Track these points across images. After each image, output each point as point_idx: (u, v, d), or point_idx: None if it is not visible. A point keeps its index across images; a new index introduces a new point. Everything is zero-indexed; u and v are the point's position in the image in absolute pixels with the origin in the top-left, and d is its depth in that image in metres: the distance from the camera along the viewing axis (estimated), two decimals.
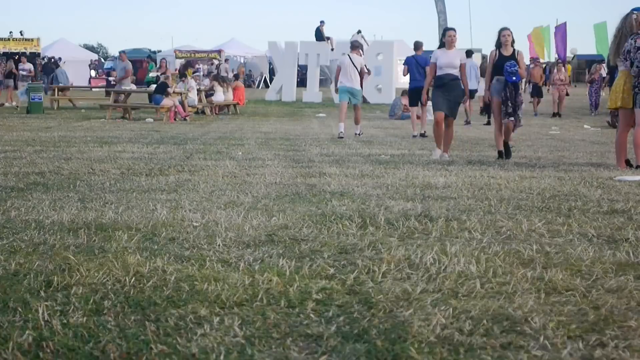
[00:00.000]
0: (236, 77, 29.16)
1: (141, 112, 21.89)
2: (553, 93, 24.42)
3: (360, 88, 14.65)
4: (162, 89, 20.25)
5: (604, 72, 23.26)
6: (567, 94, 25.28)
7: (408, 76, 15.51)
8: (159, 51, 54.22)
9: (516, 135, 15.93)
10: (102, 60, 56.64)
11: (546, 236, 4.81)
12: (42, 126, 16.54)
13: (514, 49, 10.26)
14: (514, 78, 10.06)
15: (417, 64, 14.99)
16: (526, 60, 26.38)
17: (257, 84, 50.49)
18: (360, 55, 14.72)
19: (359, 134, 14.69)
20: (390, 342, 2.84)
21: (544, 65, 28.88)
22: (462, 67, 10.54)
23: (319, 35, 31.92)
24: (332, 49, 30.93)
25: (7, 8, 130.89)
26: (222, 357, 2.70)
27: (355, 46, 14.88)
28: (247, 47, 54.38)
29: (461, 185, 7.27)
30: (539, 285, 3.62)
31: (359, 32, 33.41)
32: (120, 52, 26.70)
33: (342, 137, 13.96)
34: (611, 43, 9.34)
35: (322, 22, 32.38)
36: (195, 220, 5.27)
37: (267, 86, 37.66)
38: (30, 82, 25.13)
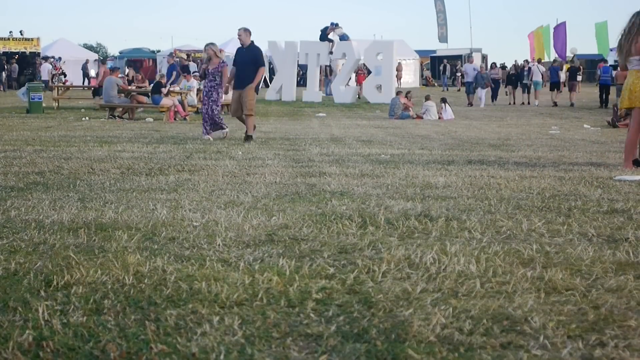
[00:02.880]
0: None
1: (141, 111, 21.89)
2: None
3: None
4: (157, 89, 20.26)
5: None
6: None
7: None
8: (159, 51, 54.21)
9: (516, 135, 15.98)
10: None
11: (546, 236, 4.81)
12: (42, 126, 16.54)
13: None
14: None
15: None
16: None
17: None
18: None
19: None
20: (390, 341, 2.85)
21: None
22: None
23: (323, 35, 31.81)
24: (331, 52, 30.91)
25: (7, 8, 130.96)
26: (222, 356, 2.70)
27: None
28: None
29: (461, 185, 7.27)
30: (539, 285, 3.62)
31: (337, 24, 33.08)
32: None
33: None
34: (623, 39, 8.72)
35: (332, 24, 32.10)
36: (195, 220, 5.26)
37: (267, 86, 37.62)
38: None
